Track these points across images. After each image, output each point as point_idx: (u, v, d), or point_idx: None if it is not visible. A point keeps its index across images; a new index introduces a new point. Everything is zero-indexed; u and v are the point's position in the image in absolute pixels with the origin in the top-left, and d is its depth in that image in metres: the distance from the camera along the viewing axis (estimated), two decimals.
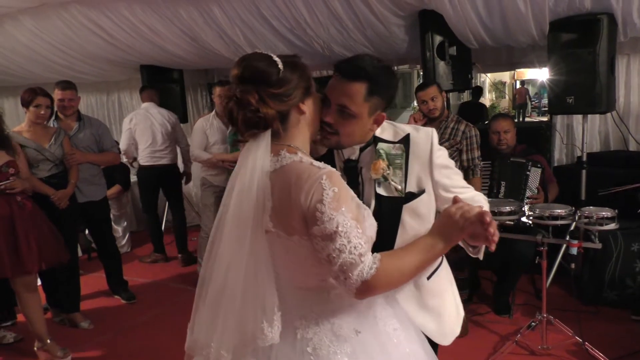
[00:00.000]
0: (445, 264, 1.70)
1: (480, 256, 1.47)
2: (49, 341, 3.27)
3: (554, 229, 3.00)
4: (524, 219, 3.13)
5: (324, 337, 1.34)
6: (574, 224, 3.07)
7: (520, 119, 15.56)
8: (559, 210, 2.92)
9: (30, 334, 3.34)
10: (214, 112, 4.44)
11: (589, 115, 4.17)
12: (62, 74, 5.96)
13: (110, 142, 4.11)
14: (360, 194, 1.51)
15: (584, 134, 4.14)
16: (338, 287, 1.30)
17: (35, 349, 3.29)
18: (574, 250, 2.96)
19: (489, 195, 3.61)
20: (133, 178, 5.99)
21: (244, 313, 1.30)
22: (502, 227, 3.12)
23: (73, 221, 3.75)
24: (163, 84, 5.75)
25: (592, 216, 2.85)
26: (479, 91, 9.94)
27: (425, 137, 1.53)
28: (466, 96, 15.38)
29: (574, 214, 2.94)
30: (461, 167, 3.41)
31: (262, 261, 1.30)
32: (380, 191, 1.50)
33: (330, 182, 1.23)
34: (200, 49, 5.12)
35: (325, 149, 1.55)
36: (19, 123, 3.63)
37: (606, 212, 2.83)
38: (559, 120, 4.75)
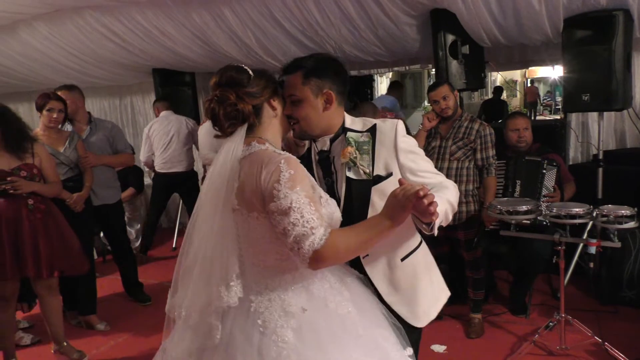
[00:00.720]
0: (422, 248, 1.81)
1: (435, 232, 1.52)
2: (65, 344, 3.29)
3: (571, 228, 2.96)
4: (540, 218, 3.10)
5: (274, 312, 1.49)
6: (591, 222, 3.03)
7: (532, 118, 15.46)
8: (577, 209, 2.88)
9: (47, 336, 3.37)
10: None
11: (605, 113, 4.12)
12: (75, 79, 6.02)
13: (123, 143, 4.13)
14: (334, 181, 1.71)
15: (600, 131, 4.10)
16: (294, 268, 1.50)
17: (52, 351, 3.32)
18: (593, 249, 2.92)
19: (504, 194, 3.57)
20: (147, 181, 6.04)
21: (210, 279, 1.49)
22: (518, 227, 3.09)
23: (88, 224, 3.78)
24: (175, 87, 5.78)
25: (610, 214, 2.80)
26: (500, 90, 10.71)
27: (390, 125, 1.69)
28: (477, 96, 15.31)
29: (591, 212, 2.90)
30: (475, 166, 3.38)
31: (228, 236, 1.49)
32: (350, 175, 1.66)
33: (288, 165, 1.42)
34: (212, 52, 5.13)
35: (305, 149, 1.78)
36: (34, 128, 3.65)
37: (625, 210, 2.79)
38: (574, 118, 4.70)
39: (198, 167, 5.73)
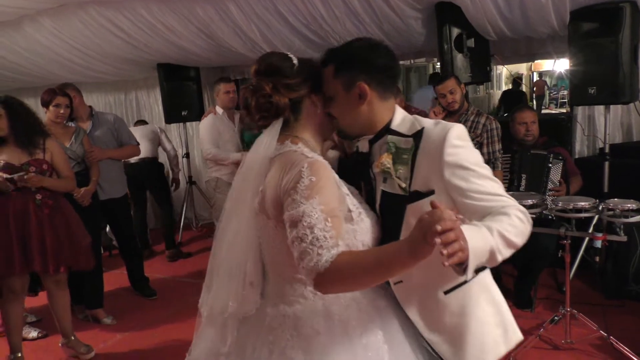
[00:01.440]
0: (480, 280, 1.45)
1: (467, 277, 1.15)
2: (73, 338, 3.32)
3: (577, 221, 2.95)
4: (546, 212, 3.09)
5: (286, 330, 1.37)
6: (597, 216, 3.02)
7: (540, 111, 15.39)
8: (583, 203, 2.87)
9: (54, 330, 3.39)
10: (222, 109, 4.39)
11: (611, 106, 4.10)
12: (81, 74, 6.05)
13: (127, 135, 4.15)
14: (373, 189, 1.46)
15: (606, 125, 4.07)
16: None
17: (59, 344, 3.35)
18: (598, 243, 2.91)
19: (509, 188, 3.56)
20: None
21: (229, 284, 1.41)
22: None
23: (96, 219, 3.79)
24: (180, 81, 5.79)
25: (616, 208, 2.79)
26: (520, 80, 11.00)
27: (440, 132, 1.34)
28: (482, 89, 15.27)
29: (597, 206, 2.88)
30: None
31: (250, 240, 1.40)
32: (385, 187, 1.41)
33: (310, 170, 1.26)
34: (216, 47, 5.13)
35: (355, 146, 1.54)
36: None
37: (631, 204, 2.77)
38: (580, 111, 4.67)
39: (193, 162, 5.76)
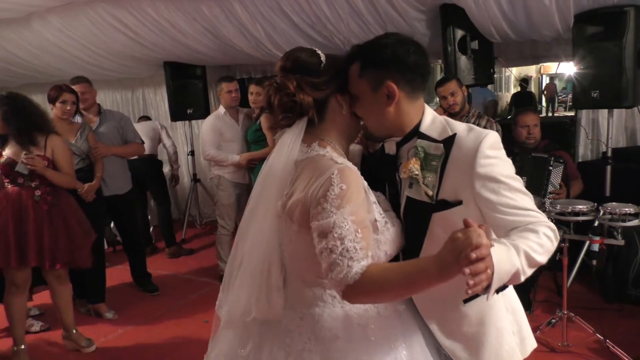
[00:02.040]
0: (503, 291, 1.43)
1: (488, 296, 1.11)
2: (74, 331, 3.36)
3: (576, 225, 2.95)
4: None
5: (304, 333, 1.34)
6: (596, 220, 3.03)
7: (549, 114, 15.34)
8: (581, 206, 2.88)
9: (57, 324, 3.44)
10: (224, 109, 4.41)
11: (615, 110, 4.09)
12: (88, 71, 6.09)
13: (132, 133, 4.19)
14: (398, 194, 1.42)
15: (609, 128, 4.07)
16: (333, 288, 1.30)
17: (62, 337, 3.40)
18: (596, 247, 2.92)
19: None
20: None
21: (252, 287, 1.38)
22: None
23: (99, 214, 3.83)
24: (186, 80, 5.84)
25: (615, 212, 2.80)
26: (526, 82, 11.73)
27: (473, 140, 1.29)
28: None
29: (596, 209, 2.89)
30: None
31: (274, 244, 1.36)
32: (410, 193, 1.36)
33: (341, 178, 1.22)
34: (222, 45, 5.17)
35: (379, 145, 1.50)
36: None
37: (629, 208, 2.78)
38: (584, 115, 4.67)
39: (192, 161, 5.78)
